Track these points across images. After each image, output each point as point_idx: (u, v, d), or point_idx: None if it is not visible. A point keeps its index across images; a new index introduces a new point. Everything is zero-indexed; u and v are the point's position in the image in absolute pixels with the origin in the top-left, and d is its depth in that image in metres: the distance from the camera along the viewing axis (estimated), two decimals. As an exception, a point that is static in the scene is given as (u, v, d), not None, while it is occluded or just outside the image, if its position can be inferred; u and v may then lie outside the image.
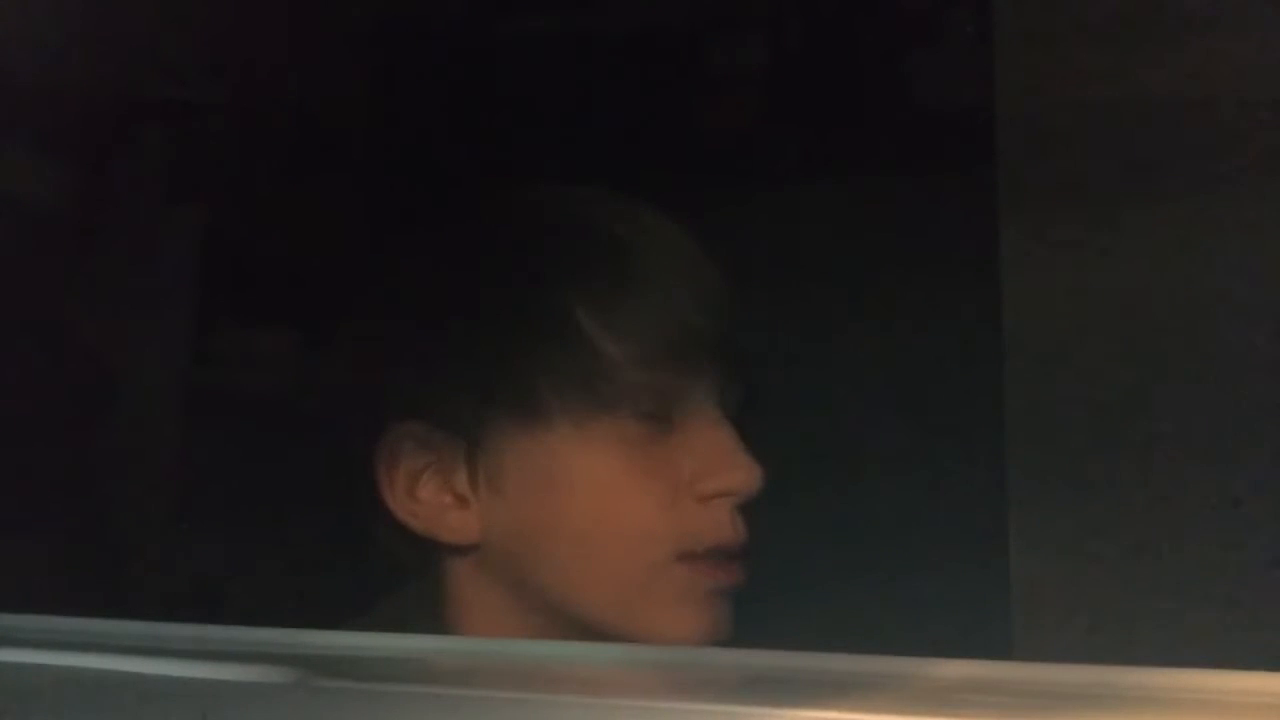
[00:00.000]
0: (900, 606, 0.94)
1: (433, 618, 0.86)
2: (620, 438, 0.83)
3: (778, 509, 0.86)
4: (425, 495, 0.85)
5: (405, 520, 0.85)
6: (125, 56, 1.06)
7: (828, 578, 0.97)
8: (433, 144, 1.12)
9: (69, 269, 1.06)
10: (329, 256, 1.07)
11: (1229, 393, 0.62)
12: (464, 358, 0.85)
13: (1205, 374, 0.62)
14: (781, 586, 0.89)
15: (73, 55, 1.03)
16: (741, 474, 0.84)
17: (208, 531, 1.05)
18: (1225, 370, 0.62)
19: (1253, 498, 0.61)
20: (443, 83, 1.14)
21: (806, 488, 0.97)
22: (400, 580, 0.88)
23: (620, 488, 0.83)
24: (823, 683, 0.53)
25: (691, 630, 0.83)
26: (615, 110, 1.11)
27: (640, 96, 1.11)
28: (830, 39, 1.11)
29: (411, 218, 1.01)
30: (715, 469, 0.84)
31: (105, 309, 1.08)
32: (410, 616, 0.86)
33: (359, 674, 0.59)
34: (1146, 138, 0.64)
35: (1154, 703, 0.48)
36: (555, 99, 1.12)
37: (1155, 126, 0.64)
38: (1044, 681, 0.51)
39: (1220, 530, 0.61)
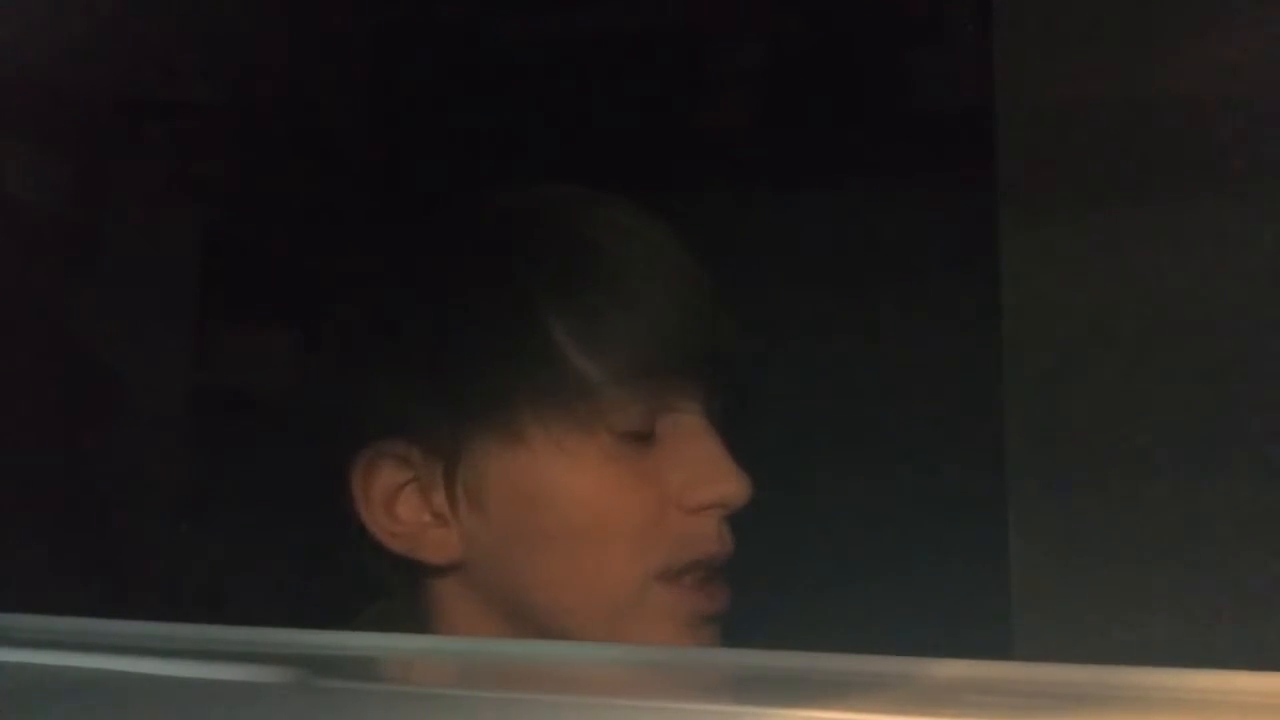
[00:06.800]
0: (900, 606, 0.94)
1: (417, 633, 0.85)
2: (603, 453, 0.82)
3: (777, 509, 0.86)
4: (404, 514, 0.83)
5: (384, 540, 0.84)
6: (116, 55, 1.06)
7: (828, 578, 0.97)
8: (412, 152, 1.12)
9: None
10: (303, 271, 1.07)
11: (1229, 394, 0.62)
12: (440, 375, 0.83)
13: (1206, 375, 0.62)
14: (781, 587, 0.89)
15: (69, 54, 1.03)
16: (730, 485, 0.82)
17: (181, 548, 1.05)
18: (1226, 372, 0.62)
19: (1254, 498, 0.61)
20: (421, 86, 1.14)
21: (806, 488, 0.98)
22: (381, 595, 0.87)
23: (604, 503, 0.82)
24: (823, 683, 0.53)
25: None
26: (612, 111, 1.11)
27: (635, 97, 1.11)
28: (829, 39, 1.11)
29: (387, 228, 1.00)
30: (703, 480, 0.82)
31: (81, 324, 1.08)
32: (394, 631, 0.85)
33: (359, 674, 0.59)
34: (1146, 138, 0.64)
35: (1154, 703, 0.48)
36: (545, 99, 1.11)
37: (1155, 127, 0.64)
38: (1044, 681, 0.51)
39: (1221, 530, 0.61)
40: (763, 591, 0.86)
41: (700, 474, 0.82)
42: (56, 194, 1.06)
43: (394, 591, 0.87)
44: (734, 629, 0.85)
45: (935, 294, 1.02)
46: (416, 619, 0.85)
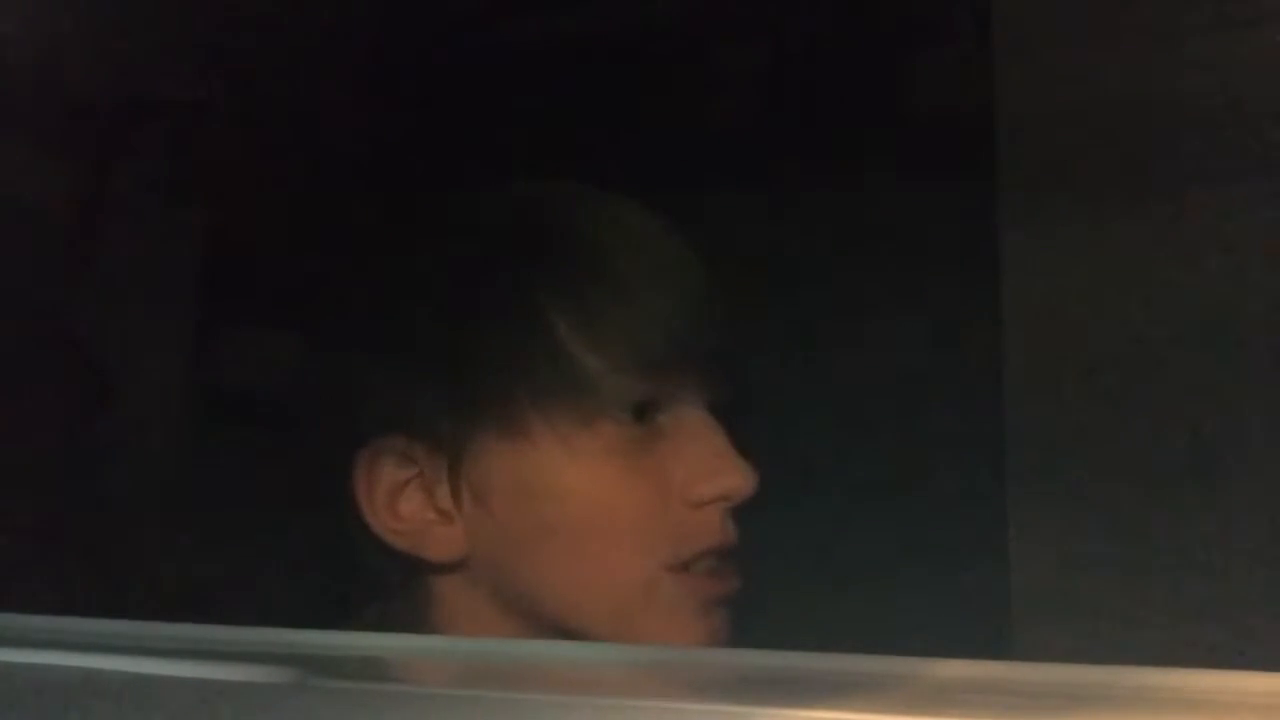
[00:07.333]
0: (900, 606, 0.94)
1: (420, 631, 0.85)
2: (607, 447, 0.82)
3: (776, 510, 0.86)
4: (407, 511, 0.83)
5: (387, 538, 0.83)
6: (115, 54, 1.06)
7: (828, 578, 0.97)
8: (413, 148, 1.12)
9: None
10: (304, 268, 1.07)
11: (1229, 393, 0.62)
12: (442, 371, 0.83)
13: (1205, 374, 0.62)
14: (782, 587, 0.89)
15: (69, 54, 1.03)
16: (735, 477, 0.82)
17: (180, 549, 1.05)
18: (1225, 370, 0.62)
19: (1251, 498, 0.61)
20: (422, 83, 1.14)
21: (807, 488, 0.98)
22: (384, 593, 0.87)
23: (609, 497, 0.82)
24: (823, 683, 0.53)
25: (687, 641, 0.82)
26: (611, 109, 1.11)
27: (634, 96, 1.11)
28: (830, 40, 1.11)
29: (388, 225, 1.00)
30: (707, 474, 0.82)
31: (76, 319, 1.07)
32: (396, 629, 0.85)
33: (359, 674, 0.59)
34: (1146, 138, 0.64)
35: (1154, 703, 0.48)
36: (546, 97, 1.12)
37: (1155, 126, 0.64)
38: (1044, 681, 0.51)
39: (1220, 531, 0.61)
40: (761, 592, 0.86)
41: (703, 467, 0.83)
42: (54, 193, 1.06)
43: (395, 590, 0.87)
44: (733, 629, 0.85)
45: (935, 295, 1.02)
46: (417, 618, 0.85)
